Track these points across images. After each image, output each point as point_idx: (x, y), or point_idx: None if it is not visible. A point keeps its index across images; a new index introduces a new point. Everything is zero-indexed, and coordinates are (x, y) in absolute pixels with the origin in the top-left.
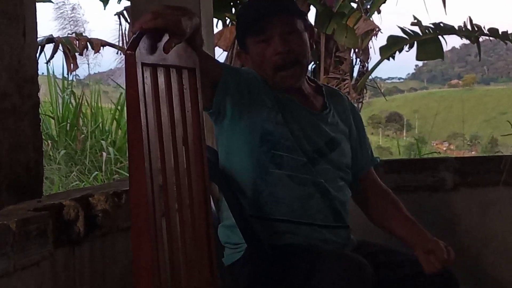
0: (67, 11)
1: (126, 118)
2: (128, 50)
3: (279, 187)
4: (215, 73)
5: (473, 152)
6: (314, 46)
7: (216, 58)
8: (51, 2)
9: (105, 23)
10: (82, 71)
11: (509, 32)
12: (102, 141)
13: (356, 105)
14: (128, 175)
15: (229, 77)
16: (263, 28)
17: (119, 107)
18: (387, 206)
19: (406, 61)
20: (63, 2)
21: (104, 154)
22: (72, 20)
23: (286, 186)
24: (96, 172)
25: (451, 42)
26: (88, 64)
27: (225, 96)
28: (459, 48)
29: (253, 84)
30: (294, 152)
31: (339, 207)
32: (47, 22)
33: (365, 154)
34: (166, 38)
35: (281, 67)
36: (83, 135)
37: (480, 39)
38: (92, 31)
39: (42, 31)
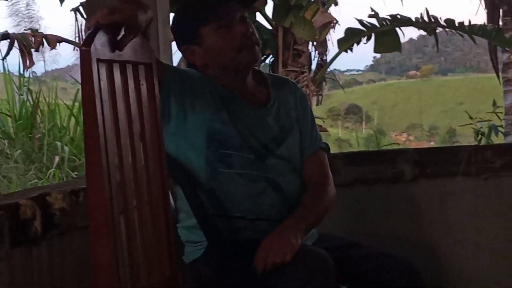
0: (21, 7)
1: (82, 113)
2: (83, 46)
3: (231, 185)
4: (159, 73)
5: (431, 143)
6: None
7: (173, 53)
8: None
9: (62, 19)
10: (39, 68)
11: (465, 23)
12: (57, 142)
13: (315, 97)
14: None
15: (172, 77)
16: (223, 14)
17: (76, 104)
18: (304, 197)
19: (364, 53)
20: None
21: (57, 157)
22: (27, 16)
23: (237, 184)
24: (53, 170)
25: (408, 33)
26: (44, 60)
27: (169, 96)
28: (416, 39)
29: (196, 83)
30: (242, 149)
31: (293, 200)
32: (1, 19)
33: (305, 140)
34: (121, 33)
35: (245, 46)
36: (39, 135)
37: (437, 30)
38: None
39: None
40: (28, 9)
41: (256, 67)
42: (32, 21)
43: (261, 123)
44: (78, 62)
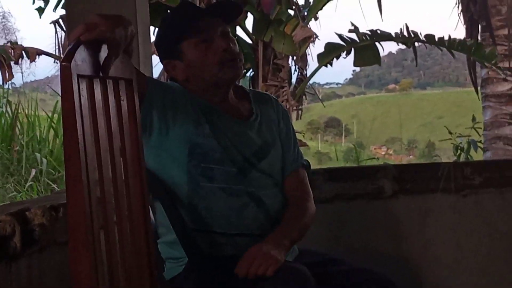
0: (0, 19)
1: (62, 129)
2: (63, 61)
3: (213, 200)
4: (141, 86)
5: (411, 156)
6: None
7: (153, 66)
8: None
9: (40, 30)
10: (18, 79)
11: (445, 38)
12: (36, 154)
13: (295, 112)
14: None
15: (154, 91)
16: (202, 29)
17: (55, 115)
18: (286, 213)
19: (344, 67)
20: None
21: (33, 170)
22: (3, 28)
23: (219, 199)
24: (31, 183)
25: (387, 47)
26: (22, 72)
27: (151, 110)
28: (395, 53)
29: (178, 97)
30: (224, 163)
31: (275, 215)
32: None
33: (288, 157)
34: (102, 48)
35: (227, 61)
36: (18, 148)
37: (416, 44)
38: (24, 39)
39: None
40: (4, 21)
41: (237, 82)
42: (8, 33)
43: (244, 137)
44: (57, 73)
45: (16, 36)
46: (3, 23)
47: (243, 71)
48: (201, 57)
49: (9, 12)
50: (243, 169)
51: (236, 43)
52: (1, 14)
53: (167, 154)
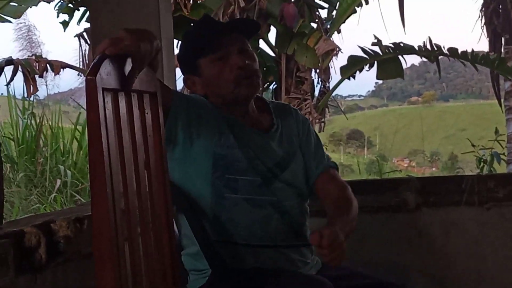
0: (25, 32)
1: (87, 141)
2: (89, 75)
3: (237, 211)
4: (166, 99)
5: (433, 169)
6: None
7: (176, 79)
8: (10, 22)
9: (65, 43)
10: (42, 92)
11: (468, 51)
12: (60, 166)
13: (318, 124)
14: (89, 197)
15: (179, 103)
16: (220, 46)
17: (78, 127)
18: (330, 206)
19: (366, 79)
20: (24, 22)
21: (59, 181)
22: (29, 41)
23: (243, 210)
24: (55, 194)
25: (410, 59)
26: (46, 85)
27: (176, 123)
28: (418, 65)
29: (202, 109)
30: (248, 174)
31: (299, 226)
32: (7, 43)
33: (311, 163)
34: (127, 62)
35: (243, 79)
36: (42, 160)
37: (439, 57)
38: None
39: (3, 52)
40: (30, 35)
41: (258, 94)
42: (33, 46)
43: (266, 148)
44: (81, 86)
45: (41, 49)
46: (28, 37)
47: (264, 85)
48: (218, 74)
49: (34, 26)
50: (267, 180)
51: (256, 59)
52: (26, 27)
53: (192, 166)
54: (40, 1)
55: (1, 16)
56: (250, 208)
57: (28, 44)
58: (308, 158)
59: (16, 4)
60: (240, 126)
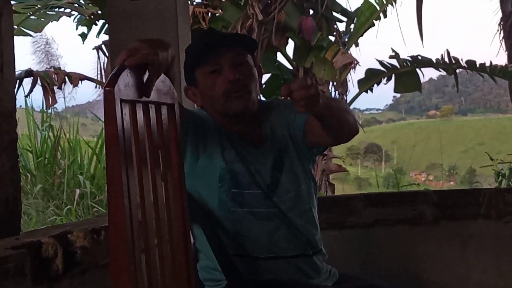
0: (43, 45)
1: (105, 152)
2: (107, 86)
3: (244, 224)
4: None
5: (451, 183)
6: (264, 86)
7: None
8: (31, 36)
9: (83, 56)
10: (60, 104)
11: (486, 64)
12: (79, 176)
13: None
14: (106, 209)
15: (189, 119)
16: (214, 58)
17: (94, 138)
18: None
19: (384, 92)
20: (41, 35)
21: (78, 191)
22: (46, 54)
23: (250, 223)
24: (69, 206)
25: (428, 73)
26: (64, 97)
27: (185, 138)
28: (436, 79)
29: (206, 125)
30: (252, 187)
31: (309, 234)
32: (25, 55)
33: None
34: (144, 73)
35: (232, 93)
36: (61, 171)
37: (457, 70)
38: (67, 65)
39: (20, 65)
40: (48, 47)
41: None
42: (51, 59)
43: (262, 162)
44: (99, 98)
45: (58, 62)
46: (46, 50)
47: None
48: (210, 87)
49: (53, 39)
50: (269, 192)
51: (251, 74)
52: (44, 40)
53: (199, 180)
54: (61, 16)
55: (22, 30)
56: (256, 221)
57: (46, 57)
58: (293, 119)
59: (36, 18)
60: (238, 141)
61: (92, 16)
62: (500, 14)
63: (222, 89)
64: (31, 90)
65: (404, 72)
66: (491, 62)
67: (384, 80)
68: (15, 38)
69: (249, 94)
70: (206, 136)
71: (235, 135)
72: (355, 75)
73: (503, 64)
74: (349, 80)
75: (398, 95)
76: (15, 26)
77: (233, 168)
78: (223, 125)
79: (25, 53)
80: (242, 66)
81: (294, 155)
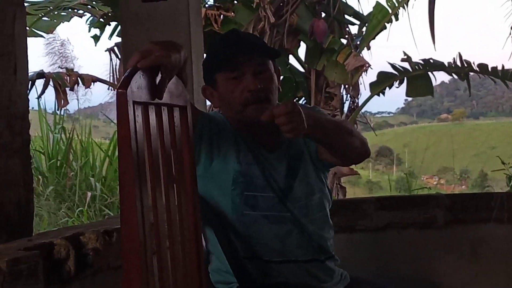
0: (57, 46)
1: (117, 154)
2: (120, 88)
3: (256, 228)
4: (193, 117)
5: (463, 187)
6: (281, 90)
7: None
8: (43, 37)
9: (96, 58)
10: (72, 106)
11: (498, 68)
12: (91, 178)
13: None
14: (117, 211)
15: (203, 122)
16: (236, 65)
17: (107, 141)
18: None
19: (396, 96)
20: (54, 37)
21: (89, 193)
22: (61, 55)
23: (262, 226)
24: (81, 209)
25: (440, 76)
26: (78, 99)
27: (200, 141)
28: (448, 82)
29: (222, 127)
30: (266, 190)
31: (321, 240)
32: (37, 57)
33: None
34: (157, 75)
35: (251, 103)
36: (73, 173)
37: (469, 73)
38: (82, 67)
39: (33, 66)
40: (63, 48)
41: None
42: (66, 61)
43: (277, 166)
44: (111, 100)
45: (73, 64)
46: (62, 51)
47: (294, 99)
48: (230, 93)
49: (68, 40)
50: (282, 197)
51: (272, 82)
52: (59, 42)
53: (212, 183)
54: (72, 17)
55: (34, 31)
56: (269, 225)
57: (61, 58)
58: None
59: (48, 19)
60: (254, 144)
61: (104, 18)
62: None
63: (242, 98)
64: (43, 92)
65: (416, 75)
66: (503, 66)
67: (396, 84)
68: (28, 39)
69: (268, 103)
70: (221, 139)
71: (251, 138)
72: (367, 78)
73: None
74: (360, 83)
75: (409, 98)
76: (27, 28)
77: (248, 171)
78: (239, 128)
79: (38, 54)
80: (263, 74)
81: (309, 163)
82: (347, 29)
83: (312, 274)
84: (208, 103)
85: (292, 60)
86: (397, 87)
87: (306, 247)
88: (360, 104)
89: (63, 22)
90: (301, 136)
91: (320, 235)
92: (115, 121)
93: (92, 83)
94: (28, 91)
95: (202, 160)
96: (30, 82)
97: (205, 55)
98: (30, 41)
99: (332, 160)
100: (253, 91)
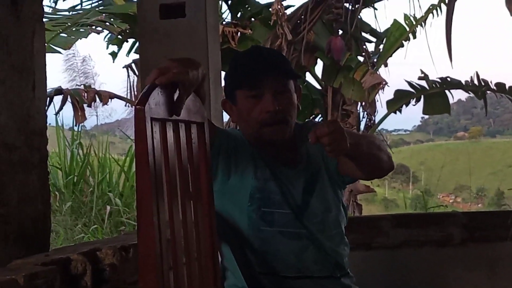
0: (76, 62)
1: (134, 171)
2: (138, 105)
3: (273, 243)
4: (210, 133)
5: (479, 205)
6: (300, 108)
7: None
8: (60, 53)
9: (114, 74)
10: (89, 122)
11: None
12: (109, 194)
13: None
14: (135, 226)
15: (222, 139)
16: (256, 84)
17: (123, 157)
18: None
19: (413, 113)
20: (73, 54)
21: (108, 207)
22: (82, 72)
23: (279, 242)
24: (95, 226)
25: (457, 94)
26: (97, 115)
27: (217, 157)
28: (465, 100)
29: (239, 143)
30: (283, 206)
31: (337, 256)
32: (56, 73)
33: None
34: (175, 92)
35: (268, 124)
36: (91, 189)
37: (487, 92)
38: (104, 84)
39: (52, 83)
40: (84, 65)
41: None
42: (87, 77)
43: (294, 183)
44: (128, 117)
45: (94, 80)
46: (82, 67)
47: (310, 118)
48: (248, 111)
49: (89, 56)
50: (299, 213)
51: (291, 103)
52: (80, 58)
53: (228, 199)
54: (90, 33)
55: (52, 47)
56: (286, 240)
57: (81, 75)
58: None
59: (66, 36)
60: (272, 160)
61: (122, 34)
62: None
63: (260, 118)
64: (61, 108)
65: (433, 93)
66: None
67: (413, 101)
68: (46, 55)
69: (285, 124)
70: (238, 155)
71: (268, 155)
72: (384, 96)
73: None
74: (377, 101)
75: (426, 116)
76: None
77: (265, 187)
78: (257, 145)
79: (57, 70)
80: (283, 95)
81: (326, 180)
82: (364, 46)
83: None
84: (225, 119)
85: (309, 77)
86: (414, 105)
87: (323, 263)
88: (376, 121)
89: (80, 39)
90: (343, 155)
91: (336, 252)
92: (132, 137)
93: (110, 100)
94: (46, 107)
95: (219, 176)
96: (48, 98)
97: (227, 67)
98: (49, 57)
99: (355, 175)
100: (271, 112)
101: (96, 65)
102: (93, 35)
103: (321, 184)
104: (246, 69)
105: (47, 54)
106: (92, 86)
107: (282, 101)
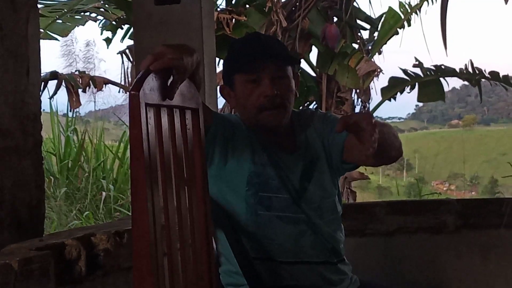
0: (74, 49)
1: (129, 157)
2: (132, 90)
3: (270, 228)
4: (206, 118)
5: (473, 193)
6: (298, 95)
7: (218, 97)
8: (57, 40)
9: (110, 60)
10: (83, 108)
11: (510, 75)
12: (102, 180)
13: None
14: (128, 212)
15: (218, 123)
16: (254, 69)
17: (122, 145)
18: None
19: (407, 101)
20: (71, 40)
21: (104, 193)
22: (84, 57)
23: (276, 227)
24: (87, 212)
25: (451, 82)
26: (95, 101)
27: (214, 143)
28: (459, 88)
29: (237, 128)
30: (281, 191)
31: (334, 242)
32: (54, 59)
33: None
34: (169, 78)
35: (266, 109)
36: (86, 174)
37: (481, 80)
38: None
39: (49, 68)
40: (88, 49)
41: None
42: (89, 62)
43: (293, 169)
44: (123, 103)
45: (94, 64)
46: (86, 51)
47: (304, 105)
48: (246, 96)
49: (93, 41)
50: (297, 198)
51: (289, 89)
52: (85, 42)
53: (226, 184)
54: (87, 21)
55: (49, 34)
56: (283, 225)
57: (83, 59)
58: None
59: (63, 22)
60: (270, 145)
61: (117, 21)
62: None
63: (258, 102)
64: (55, 93)
65: (427, 81)
66: None
67: (407, 89)
68: (43, 41)
69: (283, 109)
70: (236, 140)
71: (266, 140)
72: (378, 83)
73: None
74: (372, 88)
75: (420, 104)
76: (41, 30)
77: (263, 172)
78: (255, 130)
79: (54, 56)
80: (281, 80)
81: (325, 167)
82: (359, 34)
83: (324, 277)
84: (219, 106)
85: (303, 64)
86: (409, 93)
87: (320, 249)
88: (371, 109)
89: (78, 26)
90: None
91: (333, 237)
92: (127, 123)
93: (104, 85)
94: (40, 92)
95: (216, 160)
96: (43, 82)
97: (220, 63)
98: (46, 43)
99: (365, 162)
100: (269, 97)
101: (95, 52)
102: (90, 22)
103: (319, 171)
104: (245, 53)
105: (43, 41)
106: (92, 72)
107: (281, 86)
